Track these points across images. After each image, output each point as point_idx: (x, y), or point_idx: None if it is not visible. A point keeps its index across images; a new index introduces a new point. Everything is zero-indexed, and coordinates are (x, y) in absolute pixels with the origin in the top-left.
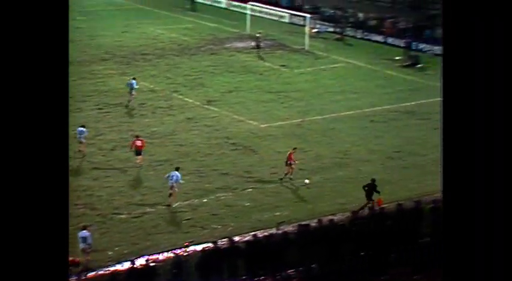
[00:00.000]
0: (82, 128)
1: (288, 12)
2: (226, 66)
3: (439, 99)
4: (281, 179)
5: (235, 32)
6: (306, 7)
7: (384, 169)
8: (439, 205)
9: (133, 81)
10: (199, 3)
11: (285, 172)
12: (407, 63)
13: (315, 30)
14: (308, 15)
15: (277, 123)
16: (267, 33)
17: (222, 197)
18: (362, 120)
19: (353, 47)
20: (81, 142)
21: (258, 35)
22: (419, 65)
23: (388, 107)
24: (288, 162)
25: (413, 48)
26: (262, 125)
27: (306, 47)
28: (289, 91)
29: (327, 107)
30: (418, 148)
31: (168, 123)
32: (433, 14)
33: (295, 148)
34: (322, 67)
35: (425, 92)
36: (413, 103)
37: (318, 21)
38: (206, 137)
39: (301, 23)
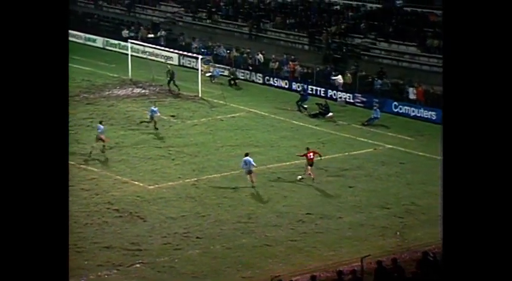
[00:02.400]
0: (100, 125)
1: (177, 53)
2: (105, 118)
3: (354, 152)
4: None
5: (114, 77)
6: (194, 46)
7: (294, 235)
8: (360, 276)
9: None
10: (70, 42)
11: (311, 177)
12: (315, 112)
13: (209, 74)
14: (200, 57)
15: (168, 184)
16: (153, 78)
17: (105, 276)
18: (267, 177)
19: (253, 93)
20: (100, 138)
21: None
22: (329, 114)
23: (296, 162)
24: (309, 162)
25: (321, 94)
26: (151, 187)
27: (200, 94)
28: (181, 146)
29: (226, 164)
30: (332, 209)
31: None
32: (342, 56)
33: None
34: (219, 117)
35: (337, 145)
36: (324, 158)
37: (211, 64)
38: (84, 203)
39: (193, 65)
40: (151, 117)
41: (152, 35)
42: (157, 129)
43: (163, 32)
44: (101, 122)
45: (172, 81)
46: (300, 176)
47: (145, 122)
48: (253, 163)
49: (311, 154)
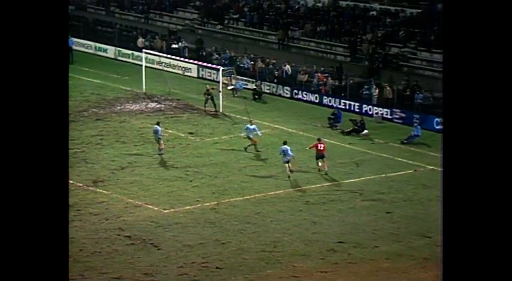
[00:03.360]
0: (157, 126)
1: (195, 64)
2: (116, 135)
3: (392, 174)
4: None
5: (127, 91)
6: (215, 56)
7: (325, 265)
8: None
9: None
10: (79, 52)
11: (324, 170)
12: (349, 130)
13: (231, 87)
14: (221, 68)
15: (185, 208)
16: (169, 91)
17: None
18: (295, 201)
19: (280, 108)
20: (158, 139)
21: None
22: (364, 132)
23: (328, 184)
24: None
25: (356, 110)
26: (166, 211)
27: (221, 109)
28: (199, 166)
29: (249, 186)
30: (367, 238)
31: None
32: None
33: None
34: (241, 134)
35: (373, 166)
36: (359, 180)
37: (234, 76)
38: (92, 229)
39: (213, 77)
40: (249, 138)
41: (176, 46)
42: (259, 152)
43: (184, 42)
44: (158, 124)
45: (211, 101)
46: (289, 172)
47: (250, 146)
48: (290, 152)
49: (321, 145)
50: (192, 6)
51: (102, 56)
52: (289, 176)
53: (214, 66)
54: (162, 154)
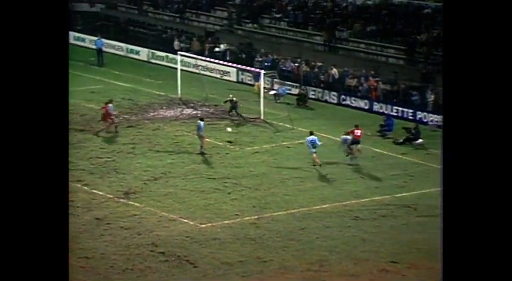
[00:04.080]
0: (201, 122)
1: (234, 67)
2: (149, 143)
3: None
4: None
5: (161, 96)
6: (258, 60)
7: None
8: None
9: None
10: (109, 54)
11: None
12: (402, 139)
13: (273, 92)
14: (262, 72)
15: (223, 223)
16: (206, 97)
17: None
18: (343, 217)
19: (326, 115)
20: (201, 136)
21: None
22: (419, 141)
23: (379, 198)
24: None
25: (409, 117)
26: (203, 225)
27: (262, 116)
28: (239, 177)
29: (293, 199)
30: (422, 258)
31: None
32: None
33: None
34: (284, 143)
35: (429, 178)
36: (413, 194)
37: (276, 80)
38: (123, 245)
39: (253, 82)
40: (350, 149)
41: (219, 49)
42: (357, 165)
43: (225, 44)
44: (202, 119)
45: (235, 111)
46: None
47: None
48: (318, 142)
49: (358, 131)
50: (231, 4)
51: (134, 59)
52: (314, 164)
53: (255, 69)
54: (204, 152)
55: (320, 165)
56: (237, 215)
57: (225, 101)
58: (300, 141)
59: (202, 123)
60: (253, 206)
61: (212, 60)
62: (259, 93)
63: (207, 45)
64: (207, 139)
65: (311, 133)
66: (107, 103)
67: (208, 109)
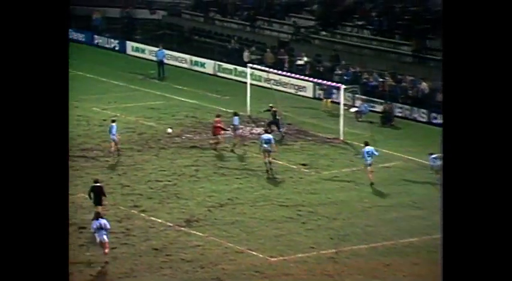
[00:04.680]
0: (236, 117)
1: (311, 81)
2: (214, 166)
3: None
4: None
5: (228, 113)
6: (338, 72)
7: None
8: None
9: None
10: (171, 66)
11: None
12: None
13: (354, 109)
14: (343, 86)
15: (296, 256)
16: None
17: None
18: (434, 252)
19: (415, 135)
20: (236, 129)
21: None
22: None
23: None
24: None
25: None
26: (273, 259)
27: (341, 136)
28: (314, 205)
29: (376, 231)
30: None
31: (123, 257)
32: None
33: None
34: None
35: None
36: None
37: (358, 95)
38: (184, 279)
39: (323, 97)
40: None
41: (302, 62)
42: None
43: (306, 57)
44: (236, 114)
45: (275, 124)
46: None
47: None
48: (376, 152)
49: None
50: (308, 11)
51: (199, 72)
52: (372, 183)
53: (334, 84)
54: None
55: (372, 183)
56: (312, 248)
57: (266, 110)
58: (385, 164)
59: (237, 117)
60: (331, 238)
61: (285, 73)
62: (329, 111)
63: (286, 57)
64: (279, 162)
65: (366, 144)
66: (218, 116)
67: (281, 128)
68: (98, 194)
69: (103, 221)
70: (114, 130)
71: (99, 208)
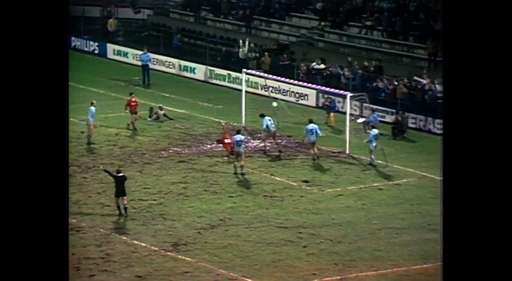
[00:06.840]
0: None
1: (314, 89)
2: (205, 183)
3: None
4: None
5: (220, 124)
6: (344, 82)
7: None
8: None
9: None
10: (158, 72)
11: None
12: None
13: (362, 119)
14: (349, 94)
15: None
16: (277, 125)
17: None
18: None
19: (429, 148)
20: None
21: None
22: None
23: None
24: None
25: None
26: None
27: (347, 150)
28: (317, 226)
29: (385, 256)
30: None
31: None
32: None
33: None
34: (375, 184)
35: None
36: None
37: (366, 104)
38: None
39: (337, 106)
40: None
41: (322, 66)
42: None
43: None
44: (238, 132)
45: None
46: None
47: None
48: (319, 132)
49: None
50: (311, 9)
51: (189, 78)
52: (314, 159)
53: (339, 91)
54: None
55: (317, 158)
56: (314, 274)
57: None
58: (396, 182)
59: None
60: (335, 264)
61: (285, 79)
62: (333, 127)
63: (268, 59)
64: (277, 178)
65: (310, 121)
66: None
67: (280, 140)
68: (121, 184)
69: None
70: (91, 113)
71: (125, 199)
